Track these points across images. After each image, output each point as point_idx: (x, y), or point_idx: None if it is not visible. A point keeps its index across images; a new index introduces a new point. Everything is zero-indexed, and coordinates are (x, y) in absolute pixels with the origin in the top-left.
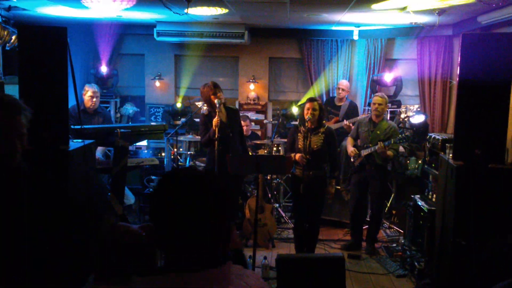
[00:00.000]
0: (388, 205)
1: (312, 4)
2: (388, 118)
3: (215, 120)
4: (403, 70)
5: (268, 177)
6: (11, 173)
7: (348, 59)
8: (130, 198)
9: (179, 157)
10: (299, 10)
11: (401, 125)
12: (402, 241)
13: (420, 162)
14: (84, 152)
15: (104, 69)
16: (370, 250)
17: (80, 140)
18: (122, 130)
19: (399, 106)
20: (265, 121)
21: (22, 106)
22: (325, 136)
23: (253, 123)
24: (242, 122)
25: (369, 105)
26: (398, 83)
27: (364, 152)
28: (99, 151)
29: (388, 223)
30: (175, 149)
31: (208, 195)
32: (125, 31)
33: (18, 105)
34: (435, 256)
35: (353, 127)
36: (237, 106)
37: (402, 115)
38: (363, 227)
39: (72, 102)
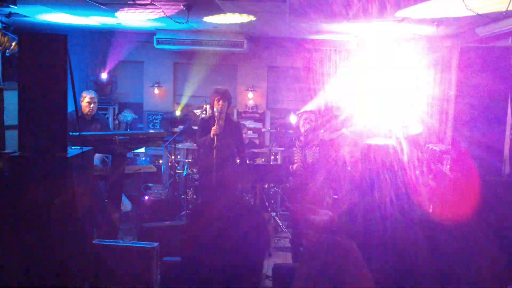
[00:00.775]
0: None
1: (311, 13)
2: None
3: (213, 128)
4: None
5: (265, 186)
6: None
7: (346, 68)
8: (127, 205)
9: (176, 165)
10: (298, 19)
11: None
12: None
13: (417, 173)
14: (82, 158)
15: (104, 76)
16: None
17: (78, 147)
18: (120, 137)
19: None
20: (263, 130)
21: None
22: (320, 149)
23: (250, 132)
24: None
25: None
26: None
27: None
28: (97, 158)
29: None
30: (173, 157)
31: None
32: (125, 39)
33: None
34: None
35: (351, 135)
36: (235, 114)
37: (402, 130)
38: None
39: (70, 108)
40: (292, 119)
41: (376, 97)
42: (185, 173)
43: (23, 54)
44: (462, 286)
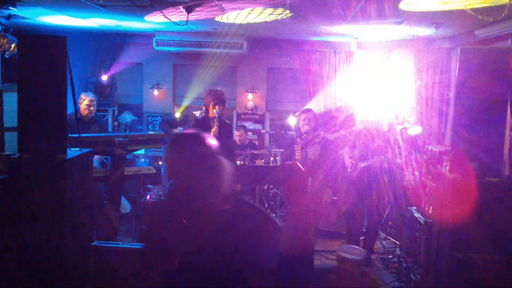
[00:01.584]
0: (385, 216)
1: (310, 16)
2: (386, 129)
3: (213, 131)
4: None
5: (265, 187)
6: None
7: (346, 70)
8: (126, 206)
9: None
10: (298, 21)
11: (397, 137)
12: (398, 253)
13: (417, 174)
14: (82, 160)
15: (105, 77)
16: (366, 262)
17: (77, 149)
18: (119, 139)
19: (396, 118)
20: (262, 131)
21: None
22: (321, 146)
23: (250, 133)
24: (236, 132)
25: None
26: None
27: (362, 164)
28: (96, 159)
29: (384, 235)
30: None
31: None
32: (124, 40)
33: None
34: (431, 268)
35: (350, 137)
36: (234, 116)
37: (399, 127)
38: (360, 238)
39: (70, 110)
40: (292, 120)
41: (375, 99)
42: None
43: (22, 56)
44: None
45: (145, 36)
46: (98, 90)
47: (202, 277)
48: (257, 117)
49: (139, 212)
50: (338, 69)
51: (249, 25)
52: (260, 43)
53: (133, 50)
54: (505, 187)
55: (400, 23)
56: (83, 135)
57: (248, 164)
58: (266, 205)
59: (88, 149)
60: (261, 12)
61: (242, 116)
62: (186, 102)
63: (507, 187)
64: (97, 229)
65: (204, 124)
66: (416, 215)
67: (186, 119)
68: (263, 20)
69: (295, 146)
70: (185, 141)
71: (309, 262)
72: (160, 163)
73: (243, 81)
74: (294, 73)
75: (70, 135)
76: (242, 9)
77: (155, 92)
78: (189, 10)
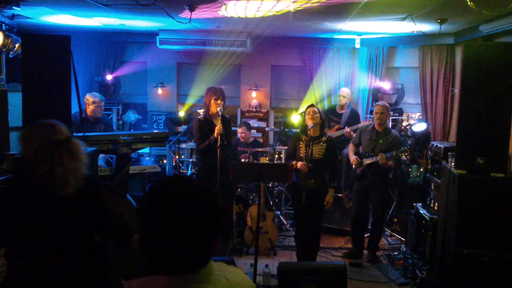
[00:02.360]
0: (390, 213)
1: (314, 13)
2: (390, 126)
3: (217, 128)
4: (404, 78)
5: (270, 185)
6: None
7: (349, 67)
8: None
9: (180, 164)
10: (302, 18)
11: (402, 133)
12: (404, 249)
13: (422, 170)
14: (87, 159)
15: (109, 77)
16: (371, 258)
17: None
18: (124, 138)
19: (400, 114)
20: (266, 129)
21: None
22: (326, 145)
23: (254, 131)
24: (238, 129)
25: (370, 113)
26: (400, 91)
27: (366, 161)
28: (101, 158)
29: (389, 231)
30: (177, 156)
31: (200, 206)
32: (128, 39)
33: None
34: (437, 264)
35: (354, 134)
36: (238, 114)
37: (404, 123)
38: (365, 235)
39: (74, 109)
40: (296, 118)
41: (380, 95)
42: (189, 172)
43: (26, 56)
44: None
45: (149, 35)
46: (102, 89)
47: None
48: (261, 114)
49: None
50: (342, 66)
51: (252, 22)
52: (264, 40)
53: (137, 49)
54: (510, 183)
55: (404, 19)
56: (88, 134)
57: (252, 161)
58: (271, 203)
59: (93, 148)
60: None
61: (246, 114)
62: (190, 101)
63: None
64: None
65: (207, 123)
66: (421, 212)
67: (190, 117)
68: (266, 14)
69: (300, 143)
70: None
71: None
72: (165, 161)
73: (247, 79)
74: (298, 70)
75: (75, 134)
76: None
77: (159, 91)
78: (192, 8)
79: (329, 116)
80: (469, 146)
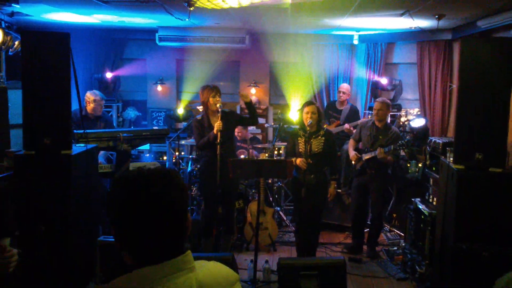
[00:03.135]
0: (389, 208)
1: (313, 9)
2: (389, 121)
3: (217, 124)
4: (403, 74)
5: (269, 181)
6: None
7: (348, 63)
8: None
9: (180, 161)
10: (300, 15)
11: (401, 128)
12: (403, 245)
13: (420, 165)
14: (87, 156)
15: (109, 75)
16: (371, 254)
17: (82, 145)
18: (124, 135)
19: (399, 110)
20: (266, 125)
21: None
22: (325, 138)
23: (254, 127)
24: (235, 129)
25: (369, 109)
26: (398, 87)
27: (366, 156)
28: (101, 155)
29: (389, 226)
30: (177, 153)
31: (170, 191)
32: (127, 36)
33: None
34: (436, 259)
35: (354, 130)
36: (238, 110)
37: (402, 119)
38: (364, 231)
39: (74, 106)
40: (294, 114)
41: (379, 92)
42: (189, 169)
43: (26, 53)
44: None
45: (148, 32)
46: (102, 86)
47: None
48: (260, 111)
49: None
50: (341, 62)
51: (251, 19)
52: (263, 37)
53: (136, 46)
54: (508, 178)
55: (402, 15)
56: (88, 131)
57: (252, 158)
58: (271, 199)
59: (93, 145)
60: None
61: (246, 110)
62: (189, 97)
63: (511, 177)
64: (103, 225)
65: (208, 122)
66: (420, 207)
67: (190, 114)
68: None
69: (299, 138)
70: None
71: None
72: (165, 158)
73: (246, 75)
74: (296, 66)
75: (75, 131)
76: None
77: (159, 88)
78: (190, 4)
79: (328, 112)
80: (468, 142)
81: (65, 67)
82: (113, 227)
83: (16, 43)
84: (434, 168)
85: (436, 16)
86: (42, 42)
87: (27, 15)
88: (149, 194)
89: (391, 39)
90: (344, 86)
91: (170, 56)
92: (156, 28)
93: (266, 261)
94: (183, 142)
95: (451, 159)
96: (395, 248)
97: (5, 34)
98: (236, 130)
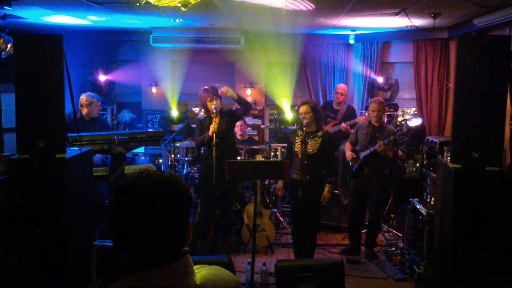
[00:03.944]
0: (387, 208)
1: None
2: (385, 121)
3: (212, 126)
4: (399, 73)
5: (266, 182)
6: None
7: (344, 63)
8: None
9: (176, 163)
10: (295, 14)
11: (398, 128)
12: (401, 245)
13: (418, 165)
14: (81, 159)
15: (103, 77)
16: (369, 255)
17: (77, 148)
18: (119, 137)
19: (396, 109)
20: (262, 126)
21: None
22: (322, 140)
23: (250, 128)
24: (237, 123)
25: (366, 108)
26: (394, 86)
27: (364, 154)
28: (96, 158)
29: (387, 227)
30: (173, 156)
31: (168, 196)
32: (121, 38)
33: None
34: (434, 259)
35: (352, 130)
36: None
37: (399, 118)
38: (362, 231)
39: (68, 109)
40: (290, 115)
41: (375, 91)
42: (185, 171)
43: (19, 56)
44: None
45: (142, 33)
46: (96, 88)
47: None
48: (256, 112)
49: None
50: (337, 62)
51: (246, 19)
52: (258, 37)
53: (130, 47)
54: (506, 176)
55: (398, 14)
56: (82, 134)
57: (248, 159)
58: (268, 200)
59: (87, 148)
60: None
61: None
62: (184, 99)
63: (508, 176)
64: (98, 228)
65: (206, 123)
66: (418, 207)
67: (184, 116)
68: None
69: (296, 138)
70: None
71: None
72: (160, 160)
73: (241, 76)
74: (292, 67)
75: (69, 134)
76: None
77: (154, 90)
78: (185, 5)
79: (326, 112)
80: (465, 140)
81: (58, 69)
82: (114, 232)
83: (9, 46)
84: (431, 168)
85: (432, 15)
86: (35, 45)
87: (19, 17)
88: (155, 204)
89: (387, 38)
90: (341, 87)
91: (164, 58)
92: (150, 29)
93: (264, 263)
94: (178, 144)
95: (448, 158)
96: (393, 248)
97: None
98: (238, 123)
